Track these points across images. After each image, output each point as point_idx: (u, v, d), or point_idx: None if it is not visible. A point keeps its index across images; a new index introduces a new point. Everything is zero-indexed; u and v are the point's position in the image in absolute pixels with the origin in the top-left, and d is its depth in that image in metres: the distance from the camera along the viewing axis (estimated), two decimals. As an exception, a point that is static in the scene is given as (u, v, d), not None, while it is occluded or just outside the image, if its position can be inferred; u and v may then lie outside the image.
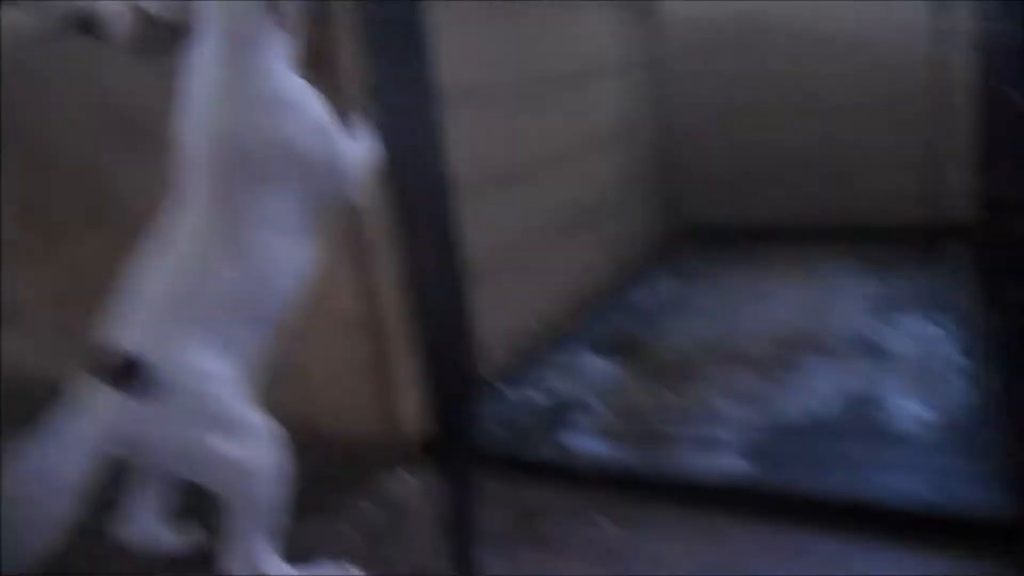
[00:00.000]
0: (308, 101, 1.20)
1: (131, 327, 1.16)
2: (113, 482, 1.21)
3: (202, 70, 1.19)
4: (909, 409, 1.62)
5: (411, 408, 1.62)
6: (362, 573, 1.27)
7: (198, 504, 1.29)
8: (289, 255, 1.22)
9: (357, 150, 1.28)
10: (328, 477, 1.53)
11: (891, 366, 1.84)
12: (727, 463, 1.48)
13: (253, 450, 1.16)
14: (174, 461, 1.20)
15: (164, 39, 1.49)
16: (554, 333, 2.15)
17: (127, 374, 1.12)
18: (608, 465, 1.52)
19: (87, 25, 1.53)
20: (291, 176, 1.19)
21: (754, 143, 2.87)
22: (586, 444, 1.61)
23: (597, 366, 2.00)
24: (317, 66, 1.34)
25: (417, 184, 1.46)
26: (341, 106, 1.28)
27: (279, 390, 1.31)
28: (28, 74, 1.90)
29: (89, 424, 1.11)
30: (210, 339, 1.16)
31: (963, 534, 1.23)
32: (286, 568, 1.22)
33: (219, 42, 1.18)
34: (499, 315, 1.84)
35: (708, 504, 1.37)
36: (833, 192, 2.81)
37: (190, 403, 1.14)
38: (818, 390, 1.76)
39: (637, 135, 2.71)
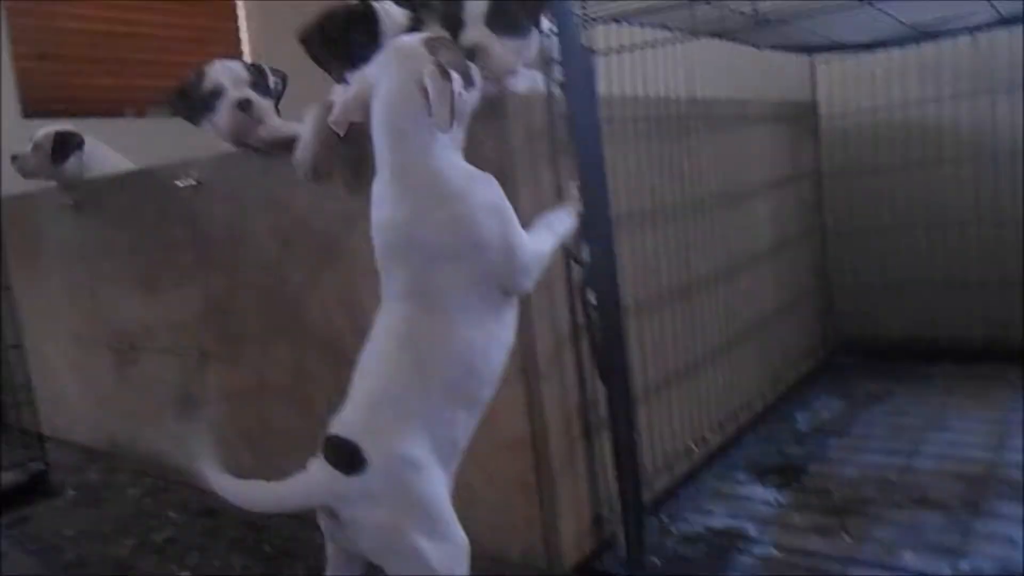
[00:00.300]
0: (475, 186, 1.26)
1: (350, 414, 1.25)
2: None
3: (379, 172, 1.30)
4: None
5: (571, 531, 1.59)
6: None
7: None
8: (487, 336, 1.27)
9: (536, 239, 1.32)
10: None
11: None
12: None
13: (448, 558, 1.18)
14: (371, 544, 1.22)
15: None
16: (713, 457, 2.08)
17: (340, 455, 1.20)
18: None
19: (246, 105, 1.82)
20: (470, 258, 1.24)
21: (922, 253, 2.75)
22: (753, 585, 1.53)
23: (759, 495, 1.91)
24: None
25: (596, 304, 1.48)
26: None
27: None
28: (225, 191, 2.09)
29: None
30: (422, 427, 1.22)
31: None
32: None
33: (383, 142, 1.28)
34: (657, 438, 1.81)
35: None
36: (1013, 308, 2.62)
37: (399, 491, 1.19)
38: (1013, 540, 1.60)
39: (799, 248, 2.64)
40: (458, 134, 1.30)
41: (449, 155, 1.27)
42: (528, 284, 1.31)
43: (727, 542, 1.69)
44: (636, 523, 1.53)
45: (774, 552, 1.64)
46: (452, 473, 1.27)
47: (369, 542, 1.21)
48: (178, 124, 2.03)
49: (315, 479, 1.22)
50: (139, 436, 2.67)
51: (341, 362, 1.89)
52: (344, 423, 1.25)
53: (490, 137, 1.53)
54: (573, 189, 1.51)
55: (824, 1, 1.66)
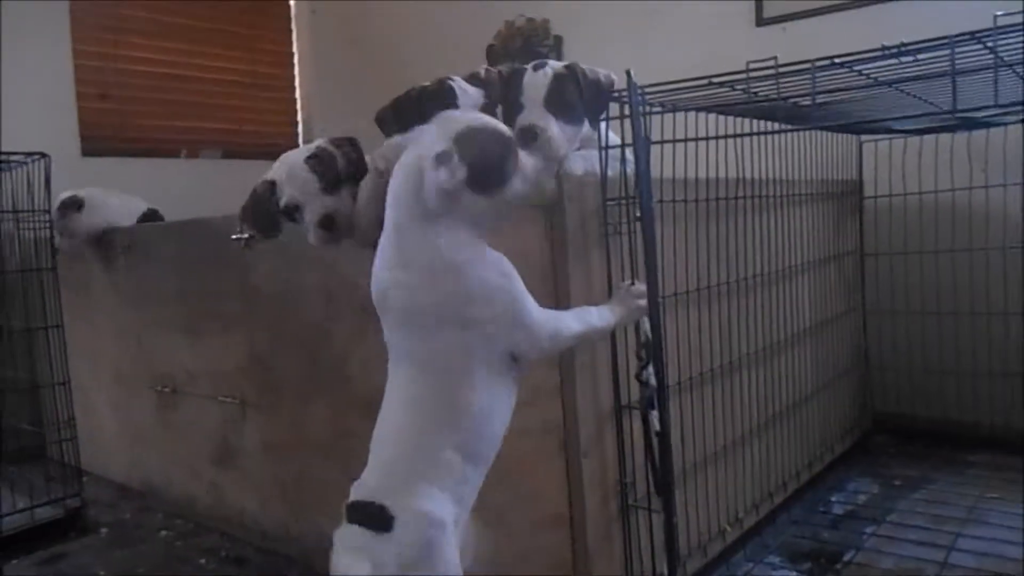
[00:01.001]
0: (473, 264, 1.26)
1: (368, 479, 1.29)
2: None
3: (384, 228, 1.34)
4: None
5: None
6: None
7: None
8: (491, 398, 1.29)
9: (559, 318, 1.34)
10: None
11: None
12: None
13: None
14: None
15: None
16: (747, 538, 2.06)
17: (365, 515, 1.24)
18: None
19: (328, 223, 1.72)
20: (469, 329, 1.26)
21: (962, 338, 2.72)
22: None
23: (794, 582, 1.88)
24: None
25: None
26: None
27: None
28: (275, 246, 2.14)
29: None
30: (436, 487, 1.24)
31: None
32: None
33: (389, 199, 1.32)
34: (692, 518, 1.80)
35: None
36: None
37: (426, 549, 1.21)
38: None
39: (839, 327, 2.63)
40: (476, 213, 1.28)
41: (457, 230, 1.27)
42: (535, 355, 1.33)
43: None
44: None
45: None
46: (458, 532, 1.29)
47: None
48: (228, 166, 2.08)
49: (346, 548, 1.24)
50: (174, 478, 2.70)
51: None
52: (363, 487, 1.28)
53: (545, 216, 1.56)
54: (625, 292, 1.49)
55: (873, 89, 1.67)
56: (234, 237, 2.21)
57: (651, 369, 1.58)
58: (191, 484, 2.61)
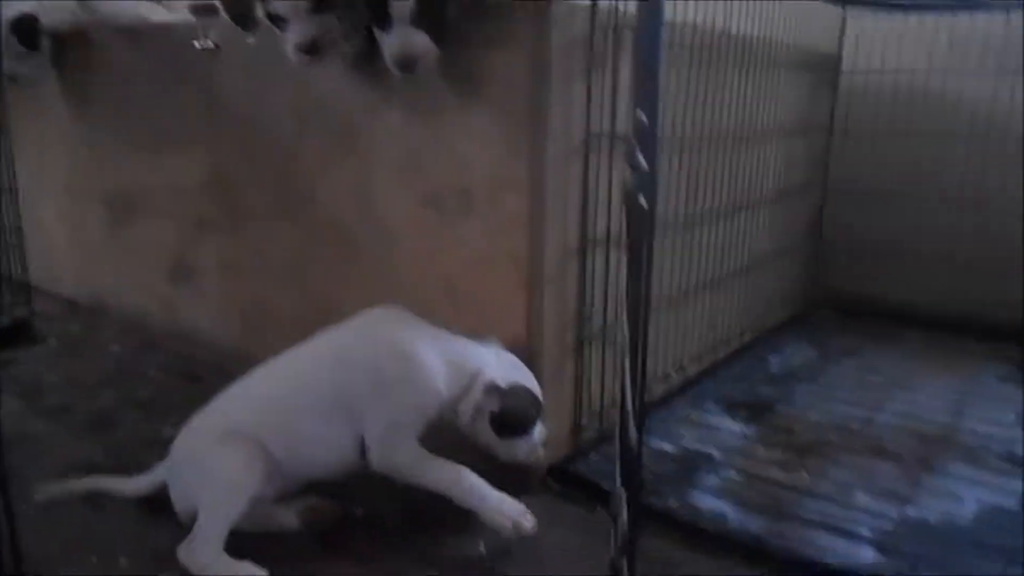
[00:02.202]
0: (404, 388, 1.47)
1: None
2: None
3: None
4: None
5: (551, 435, 1.66)
6: None
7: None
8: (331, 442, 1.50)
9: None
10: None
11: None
12: (860, 553, 1.46)
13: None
14: None
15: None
16: (688, 386, 2.16)
17: None
18: (736, 532, 1.53)
19: (312, 48, 1.63)
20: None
21: (915, 223, 2.80)
22: (713, 504, 1.62)
23: (727, 426, 1.99)
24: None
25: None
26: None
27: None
28: (245, 60, 2.06)
29: None
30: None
31: None
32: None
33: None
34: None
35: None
36: (993, 285, 2.71)
37: None
38: (959, 497, 1.71)
39: (798, 199, 2.68)
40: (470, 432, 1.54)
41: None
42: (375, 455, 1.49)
43: (693, 463, 1.78)
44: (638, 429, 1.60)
45: (736, 476, 1.73)
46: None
47: None
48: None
49: None
50: (126, 295, 2.68)
51: (345, 250, 1.93)
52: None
53: (529, 38, 1.52)
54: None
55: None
56: (197, 45, 2.10)
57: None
58: (144, 301, 2.60)
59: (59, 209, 2.87)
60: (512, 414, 1.48)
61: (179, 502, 1.52)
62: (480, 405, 1.47)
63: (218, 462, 1.44)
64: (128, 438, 1.96)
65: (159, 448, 1.88)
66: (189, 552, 1.40)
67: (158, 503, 1.57)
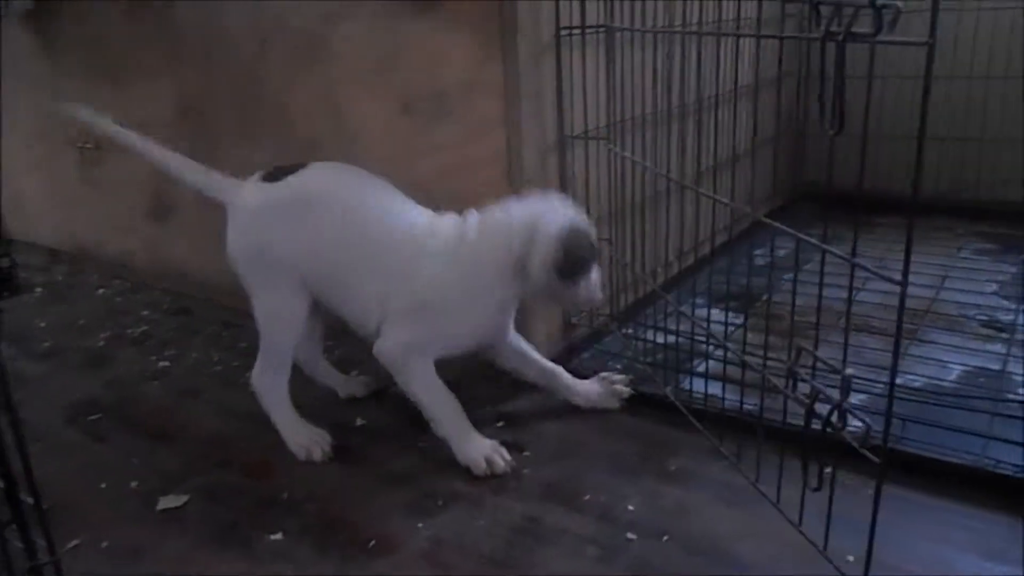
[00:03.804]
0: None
1: None
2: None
3: None
4: (1038, 390, 1.61)
5: (542, 332, 1.69)
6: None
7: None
8: None
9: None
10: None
11: (1021, 347, 1.81)
12: (850, 420, 1.50)
13: None
14: None
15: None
16: (675, 282, 2.18)
17: None
18: (730, 410, 1.57)
19: None
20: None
21: (893, 107, 2.80)
22: (706, 388, 1.66)
23: (715, 317, 2.03)
24: None
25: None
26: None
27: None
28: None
29: None
30: None
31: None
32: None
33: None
34: (630, 257, 1.89)
35: (840, 456, 1.39)
36: (968, 164, 2.73)
37: None
38: (943, 363, 1.76)
39: (777, 89, 2.66)
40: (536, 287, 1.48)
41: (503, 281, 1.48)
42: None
43: (685, 352, 1.82)
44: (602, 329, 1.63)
45: (727, 361, 1.77)
46: None
47: None
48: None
49: None
50: (106, 238, 2.66)
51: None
52: None
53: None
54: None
55: None
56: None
57: None
58: (126, 242, 2.58)
59: (28, 157, 2.82)
60: (574, 255, 1.42)
61: None
62: (545, 257, 1.40)
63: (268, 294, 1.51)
64: (126, 372, 1.97)
65: (160, 379, 1.92)
66: (255, 377, 1.55)
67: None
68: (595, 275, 1.50)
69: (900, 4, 0.77)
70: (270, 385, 1.54)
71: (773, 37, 1.19)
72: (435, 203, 1.71)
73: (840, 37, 0.85)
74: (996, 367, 1.73)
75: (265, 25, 1.91)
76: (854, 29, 0.85)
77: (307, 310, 1.52)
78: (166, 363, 2.02)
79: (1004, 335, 1.89)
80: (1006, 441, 1.42)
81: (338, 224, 1.45)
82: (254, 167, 2.07)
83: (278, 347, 1.53)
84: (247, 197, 1.52)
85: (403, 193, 1.50)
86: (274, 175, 1.52)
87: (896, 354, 0.96)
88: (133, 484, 1.48)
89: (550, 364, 1.61)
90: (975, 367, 1.73)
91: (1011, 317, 1.98)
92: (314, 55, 1.83)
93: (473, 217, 1.44)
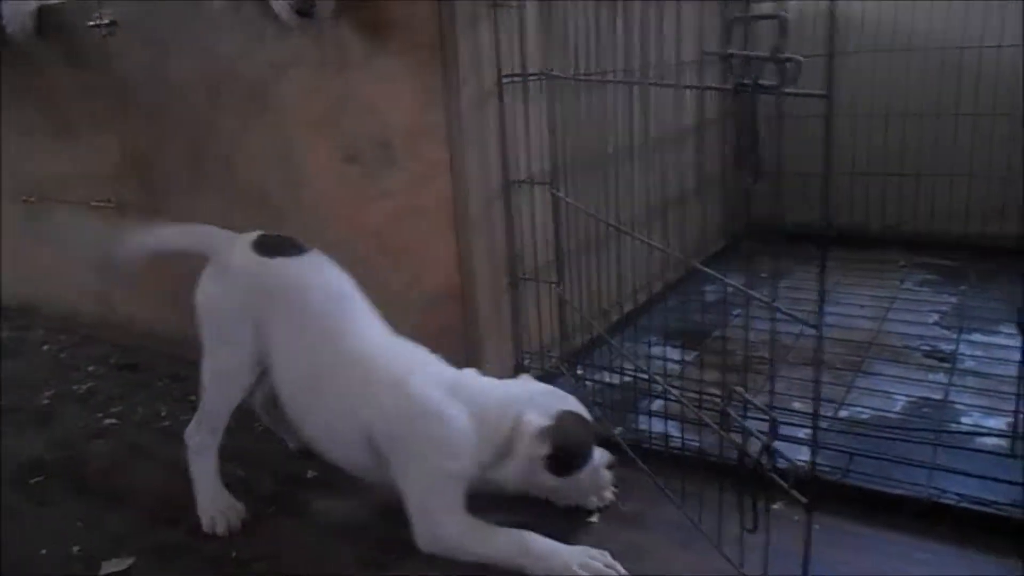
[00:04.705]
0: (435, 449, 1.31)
1: None
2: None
3: None
4: (981, 419, 1.65)
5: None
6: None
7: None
8: None
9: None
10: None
11: (963, 377, 1.86)
12: (797, 453, 1.52)
13: None
14: None
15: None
16: (626, 322, 2.20)
17: None
18: (679, 449, 1.58)
19: (307, 7, 1.54)
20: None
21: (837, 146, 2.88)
22: (657, 427, 1.66)
23: (668, 355, 2.05)
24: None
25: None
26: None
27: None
28: (145, 33, 2.00)
29: None
30: None
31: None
32: None
33: None
34: (577, 300, 1.90)
35: (776, 492, 1.40)
36: (907, 198, 2.82)
37: None
38: (888, 394, 1.79)
39: (718, 128, 2.73)
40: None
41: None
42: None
43: (636, 391, 1.83)
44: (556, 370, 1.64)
45: (677, 399, 1.78)
46: None
47: None
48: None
49: None
50: (54, 293, 2.61)
51: (270, 213, 1.91)
52: None
53: None
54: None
55: None
56: (91, 23, 2.03)
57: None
58: (74, 297, 2.53)
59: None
60: (570, 449, 1.31)
61: None
62: (532, 455, 1.29)
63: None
64: (71, 431, 1.93)
65: (106, 436, 1.88)
66: (189, 432, 1.50)
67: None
68: (598, 458, 1.39)
69: (800, 58, 0.80)
70: (200, 444, 1.49)
71: (694, 88, 1.23)
72: (385, 252, 1.73)
73: (749, 89, 0.88)
74: (939, 396, 1.77)
75: (212, 75, 1.91)
76: (762, 81, 0.88)
77: (255, 378, 1.49)
78: (112, 420, 1.97)
79: (946, 364, 1.94)
80: (949, 470, 1.45)
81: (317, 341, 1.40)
82: (200, 218, 2.07)
83: (218, 407, 1.48)
84: (236, 258, 1.46)
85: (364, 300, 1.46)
86: (266, 246, 1.46)
87: (817, 396, 0.99)
88: (75, 549, 1.44)
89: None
90: (919, 397, 1.77)
91: (952, 346, 2.03)
92: (261, 104, 1.83)
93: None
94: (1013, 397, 1.51)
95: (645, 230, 2.24)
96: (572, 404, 1.38)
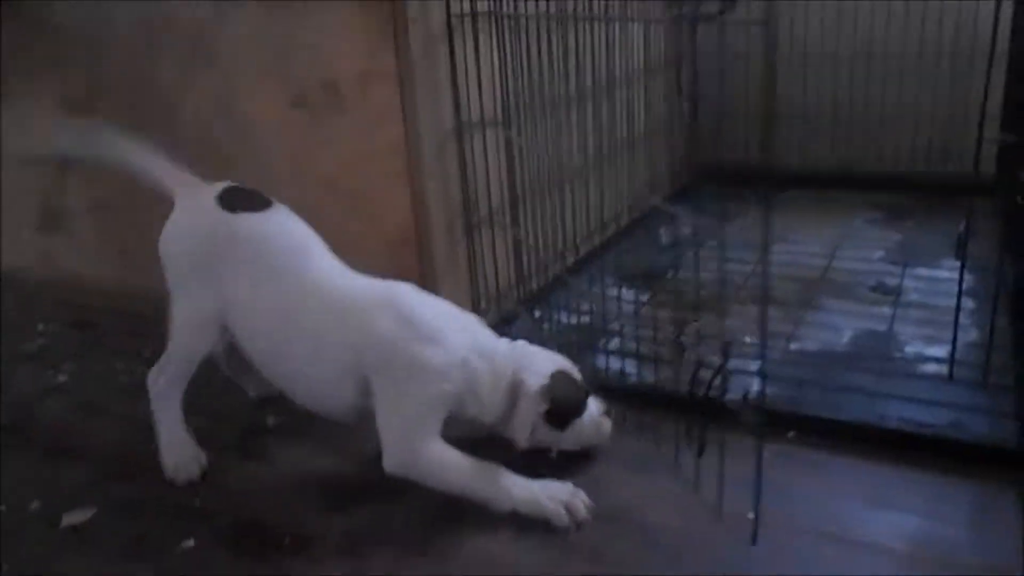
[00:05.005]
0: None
1: None
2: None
3: None
4: (923, 348, 1.71)
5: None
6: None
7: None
8: None
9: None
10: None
11: (907, 309, 1.92)
12: (749, 384, 1.57)
13: None
14: None
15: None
16: (583, 264, 2.22)
17: None
18: (635, 384, 1.61)
19: None
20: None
21: (782, 83, 2.90)
22: (615, 364, 1.70)
23: (623, 296, 2.08)
24: None
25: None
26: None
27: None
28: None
29: None
30: None
31: (970, 459, 1.32)
32: None
33: None
34: (533, 244, 1.91)
35: (728, 421, 1.44)
36: (858, 141, 2.87)
37: None
38: (836, 327, 1.85)
39: (669, 73, 2.73)
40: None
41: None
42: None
43: (593, 333, 1.86)
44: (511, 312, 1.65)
45: (634, 337, 1.81)
46: None
47: None
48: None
49: None
50: (-2, 252, 2.54)
51: (218, 163, 1.87)
52: None
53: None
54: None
55: None
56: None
57: None
58: (18, 255, 2.47)
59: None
60: (566, 404, 1.36)
61: None
62: (534, 414, 1.32)
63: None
64: (22, 390, 1.89)
65: (56, 396, 1.85)
66: (151, 377, 1.48)
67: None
68: (593, 407, 1.42)
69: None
70: (164, 391, 1.47)
71: (639, 21, 1.22)
72: (338, 198, 1.71)
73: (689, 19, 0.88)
74: (883, 328, 1.83)
75: (151, 19, 1.85)
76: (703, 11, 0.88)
77: (220, 331, 1.46)
78: (65, 377, 1.95)
79: (890, 298, 2.00)
80: (892, 396, 1.51)
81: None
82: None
83: (185, 355, 1.46)
84: (200, 213, 1.43)
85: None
86: (231, 200, 1.43)
87: (764, 327, 1.01)
88: (34, 504, 1.43)
89: None
90: (865, 329, 1.83)
91: (897, 280, 2.09)
92: (204, 52, 1.78)
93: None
94: (958, 329, 1.58)
95: (598, 172, 2.27)
96: (562, 363, 1.41)
